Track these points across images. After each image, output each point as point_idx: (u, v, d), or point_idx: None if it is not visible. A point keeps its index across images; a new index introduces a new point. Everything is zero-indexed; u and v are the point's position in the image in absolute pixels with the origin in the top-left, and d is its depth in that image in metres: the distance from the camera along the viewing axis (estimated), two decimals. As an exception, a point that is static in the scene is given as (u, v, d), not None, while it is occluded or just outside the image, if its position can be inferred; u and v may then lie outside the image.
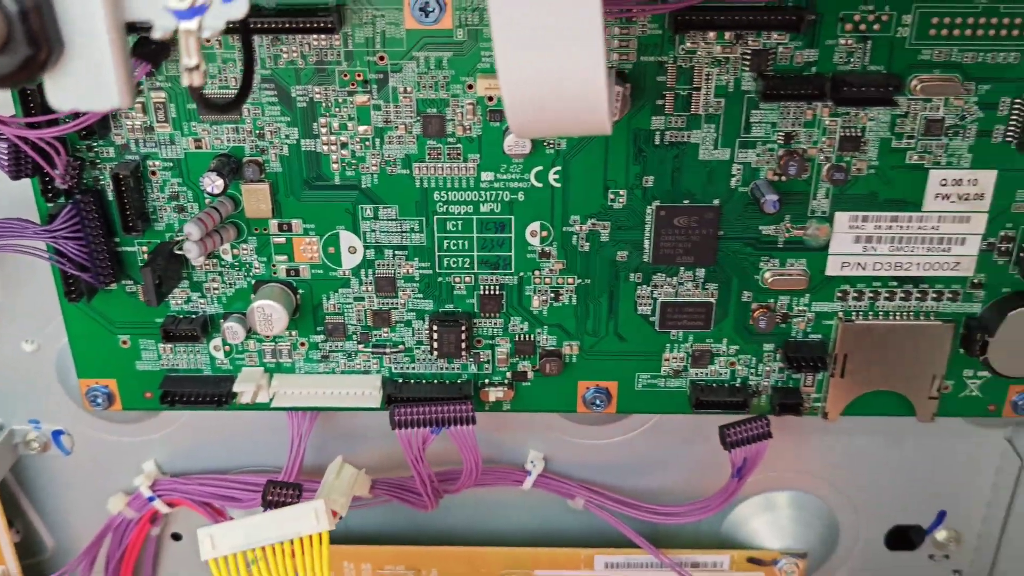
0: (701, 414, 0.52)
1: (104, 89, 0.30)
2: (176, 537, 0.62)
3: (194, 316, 0.51)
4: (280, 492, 0.49)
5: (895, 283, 0.50)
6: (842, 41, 0.44)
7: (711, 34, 0.44)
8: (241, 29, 0.34)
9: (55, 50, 0.29)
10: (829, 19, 0.44)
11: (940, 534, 0.59)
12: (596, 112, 0.34)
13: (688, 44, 0.44)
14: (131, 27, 0.30)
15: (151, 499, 0.57)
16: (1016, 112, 0.45)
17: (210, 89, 0.46)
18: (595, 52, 0.32)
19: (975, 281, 0.49)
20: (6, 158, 0.45)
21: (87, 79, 0.29)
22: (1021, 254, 0.48)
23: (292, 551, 0.45)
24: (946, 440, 0.56)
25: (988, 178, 0.47)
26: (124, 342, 0.52)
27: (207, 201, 0.48)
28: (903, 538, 0.61)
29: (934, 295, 0.50)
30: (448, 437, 0.51)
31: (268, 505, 0.48)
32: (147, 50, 0.43)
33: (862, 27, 0.44)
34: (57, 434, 0.58)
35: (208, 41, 0.42)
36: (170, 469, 0.59)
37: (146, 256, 0.49)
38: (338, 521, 0.50)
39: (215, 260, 0.50)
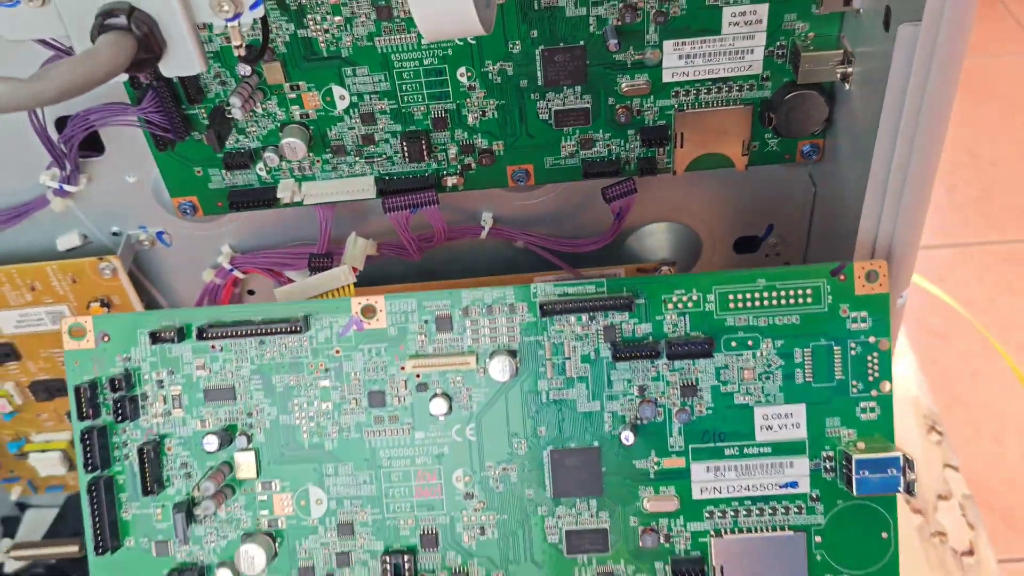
0: (590, 180, 0.78)
1: (190, 62, 0.53)
2: (251, 292, 0.90)
3: (243, 151, 0.75)
4: (320, 260, 0.76)
5: (710, 83, 0.73)
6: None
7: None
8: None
9: (163, 49, 0.52)
10: None
11: (771, 240, 0.86)
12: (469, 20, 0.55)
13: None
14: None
15: (231, 269, 0.84)
16: (776, -36, 0.66)
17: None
18: None
19: (763, 76, 0.72)
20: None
21: (181, 60, 0.52)
22: (793, 56, 0.71)
23: (332, 295, 0.72)
24: (771, 180, 0.80)
25: (763, 9, 0.69)
26: (198, 171, 0.77)
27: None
28: (747, 245, 0.87)
29: (737, 88, 0.73)
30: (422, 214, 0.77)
31: (313, 269, 0.75)
32: None
33: None
34: (160, 234, 0.84)
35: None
36: (241, 249, 0.85)
37: (205, 118, 0.73)
38: (358, 273, 0.77)
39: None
